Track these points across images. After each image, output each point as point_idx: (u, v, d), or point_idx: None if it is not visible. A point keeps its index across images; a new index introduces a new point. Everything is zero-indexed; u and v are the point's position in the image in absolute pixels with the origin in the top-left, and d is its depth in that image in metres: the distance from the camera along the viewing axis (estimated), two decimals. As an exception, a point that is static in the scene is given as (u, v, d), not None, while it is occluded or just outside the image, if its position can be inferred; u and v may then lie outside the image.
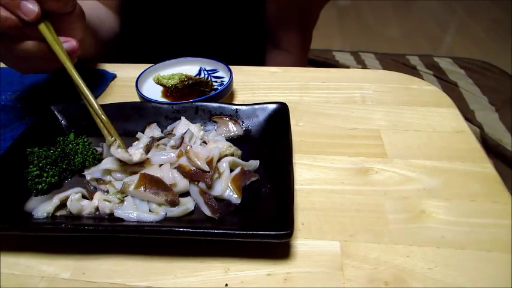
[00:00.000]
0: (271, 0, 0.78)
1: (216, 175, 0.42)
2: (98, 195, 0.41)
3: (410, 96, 0.60)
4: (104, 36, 0.75)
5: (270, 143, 0.48)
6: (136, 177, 0.41)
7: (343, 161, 0.48)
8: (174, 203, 0.40)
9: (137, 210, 0.40)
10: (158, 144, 0.46)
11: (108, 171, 0.44)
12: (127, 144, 0.49)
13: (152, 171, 0.42)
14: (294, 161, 0.43)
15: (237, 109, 0.52)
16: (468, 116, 1.46)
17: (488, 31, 2.30)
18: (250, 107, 0.51)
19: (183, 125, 0.50)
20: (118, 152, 0.42)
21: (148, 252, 0.38)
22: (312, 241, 0.39)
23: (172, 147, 0.46)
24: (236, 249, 0.38)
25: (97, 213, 0.41)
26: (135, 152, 0.42)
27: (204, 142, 0.47)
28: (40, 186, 0.42)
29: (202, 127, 0.51)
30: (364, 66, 1.88)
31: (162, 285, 0.35)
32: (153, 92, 0.60)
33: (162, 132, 0.51)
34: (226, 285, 0.35)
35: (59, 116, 0.52)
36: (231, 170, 0.44)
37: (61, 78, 0.69)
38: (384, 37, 2.28)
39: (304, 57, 0.89)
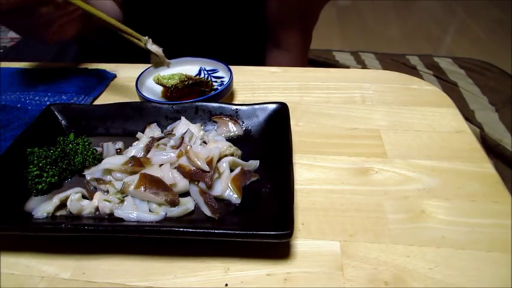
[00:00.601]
0: (272, 1, 0.78)
1: (216, 175, 0.42)
2: (98, 195, 0.41)
3: (410, 96, 0.60)
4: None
5: (270, 143, 0.48)
6: (136, 177, 0.41)
7: (343, 161, 0.48)
8: (174, 203, 0.40)
9: (137, 210, 0.40)
10: (158, 144, 0.46)
11: (108, 171, 0.44)
12: (127, 145, 0.49)
13: (152, 171, 0.42)
14: (294, 161, 0.43)
15: (237, 109, 0.52)
16: (468, 116, 1.46)
17: (488, 31, 2.29)
18: (250, 107, 0.51)
19: (183, 125, 0.50)
20: (153, 47, 0.58)
21: (148, 252, 0.38)
22: (312, 241, 0.39)
23: (172, 147, 0.46)
24: (236, 249, 0.38)
25: (97, 213, 0.41)
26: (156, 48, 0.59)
27: (204, 142, 0.47)
28: (40, 186, 0.42)
29: (202, 127, 0.51)
30: (364, 66, 1.87)
31: (162, 285, 0.35)
32: (153, 92, 0.60)
33: (162, 132, 0.51)
34: (226, 285, 0.35)
35: (59, 116, 0.52)
36: (231, 170, 0.44)
37: (60, 78, 0.69)
38: (384, 37, 2.28)
39: (304, 56, 0.89)
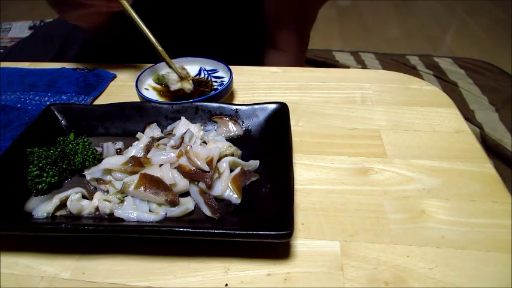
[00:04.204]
0: (269, 1, 0.78)
1: (216, 175, 0.42)
2: (98, 195, 0.41)
3: (410, 96, 0.60)
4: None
5: (270, 143, 0.48)
6: (136, 177, 0.41)
7: (343, 161, 0.48)
8: (174, 203, 0.40)
9: (137, 210, 0.40)
10: (158, 144, 0.46)
11: (108, 171, 0.44)
12: (127, 145, 0.49)
13: (152, 171, 0.42)
14: (294, 161, 0.43)
15: (237, 109, 0.52)
16: (468, 116, 1.47)
17: (488, 31, 2.30)
18: (250, 107, 0.51)
19: (183, 125, 0.50)
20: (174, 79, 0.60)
21: (148, 252, 0.38)
22: (312, 241, 0.39)
23: (172, 147, 0.46)
24: (236, 249, 0.38)
25: (97, 213, 0.41)
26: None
27: (204, 142, 0.47)
28: (40, 186, 0.42)
29: (202, 127, 0.51)
30: (364, 66, 1.88)
31: (162, 285, 0.35)
32: (153, 92, 0.60)
33: (162, 132, 0.51)
34: (226, 285, 0.35)
35: (59, 116, 0.52)
36: (231, 170, 0.44)
37: (60, 78, 0.69)
38: (384, 37, 2.28)
39: (301, 57, 0.89)
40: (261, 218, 0.38)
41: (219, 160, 0.44)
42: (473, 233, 0.39)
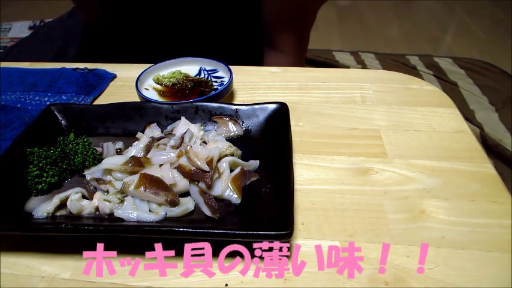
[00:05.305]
0: (268, 2, 0.78)
1: (216, 175, 0.42)
2: (98, 195, 0.41)
3: (410, 96, 0.60)
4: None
5: (270, 143, 0.48)
6: (136, 177, 0.41)
7: (343, 161, 0.48)
8: (174, 203, 0.40)
9: (137, 210, 0.40)
10: (158, 144, 0.46)
11: (108, 171, 0.44)
12: (127, 145, 0.49)
13: (152, 171, 0.42)
14: (294, 161, 0.43)
15: (237, 109, 0.52)
16: (468, 116, 1.46)
17: (488, 31, 2.29)
18: (250, 107, 0.51)
19: (183, 125, 0.50)
20: None
21: (149, 252, 0.38)
22: (312, 241, 0.39)
23: (172, 147, 0.46)
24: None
25: (97, 213, 0.41)
26: None
27: (204, 142, 0.47)
28: (40, 186, 0.42)
29: (202, 127, 0.51)
30: (364, 66, 1.87)
31: (162, 285, 0.35)
32: (153, 92, 0.60)
33: (162, 132, 0.51)
34: (226, 285, 0.35)
35: (59, 116, 0.52)
36: (231, 170, 0.44)
37: (60, 78, 0.69)
38: (384, 37, 2.28)
39: (301, 58, 0.89)
40: (261, 218, 0.38)
41: (219, 160, 0.44)
42: (473, 233, 0.39)
